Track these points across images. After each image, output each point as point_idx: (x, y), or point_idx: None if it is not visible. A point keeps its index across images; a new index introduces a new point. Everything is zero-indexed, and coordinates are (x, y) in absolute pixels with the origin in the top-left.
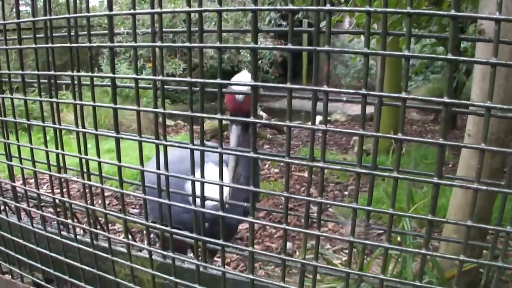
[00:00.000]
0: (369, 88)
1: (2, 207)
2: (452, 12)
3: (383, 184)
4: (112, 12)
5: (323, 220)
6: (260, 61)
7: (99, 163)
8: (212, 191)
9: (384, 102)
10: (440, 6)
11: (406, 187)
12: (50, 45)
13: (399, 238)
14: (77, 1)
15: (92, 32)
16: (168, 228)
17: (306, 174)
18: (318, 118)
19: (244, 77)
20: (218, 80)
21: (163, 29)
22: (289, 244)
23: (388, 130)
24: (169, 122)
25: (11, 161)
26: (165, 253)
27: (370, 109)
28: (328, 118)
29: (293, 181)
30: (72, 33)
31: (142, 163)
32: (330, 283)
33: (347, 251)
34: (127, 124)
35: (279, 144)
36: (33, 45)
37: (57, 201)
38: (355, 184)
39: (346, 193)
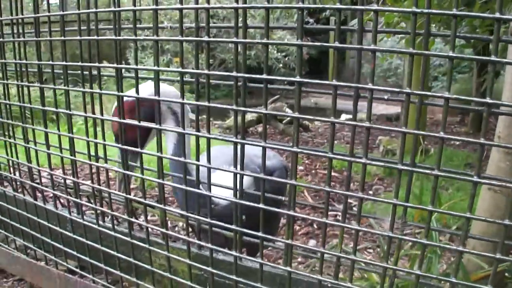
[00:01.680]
0: (396, 87)
1: (40, 195)
2: (497, 15)
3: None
4: (158, 7)
5: (351, 215)
6: (286, 58)
7: (141, 154)
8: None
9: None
10: (472, 7)
11: (433, 190)
12: (95, 37)
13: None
14: None
15: (138, 26)
16: (208, 220)
17: (332, 172)
18: (344, 116)
19: (148, 87)
20: (264, 76)
21: (210, 24)
22: (312, 242)
23: (414, 130)
24: (193, 116)
25: (48, 149)
26: (203, 244)
27: (395, 109)
28: (351, 117)
29: (318, 179)
30: (116, 26)
31: (193, 156)
32: (355, 280)
33: (371, 250)
34: None
35: (304, 141)
36: (78, 37)
37: (94, 190)
38: (396, 181)
39: (370, 192)
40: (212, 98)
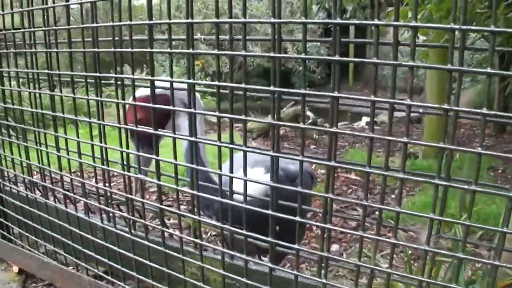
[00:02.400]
0: (417, 90)
1: (69, 203)
2: None
3: (431, 189)
4: (193, 20)
5: (369, 224)
6: (307, 61)
7: (175, 165)
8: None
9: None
10: (497, 9)
11: (459, 194)
12: (129, 49)
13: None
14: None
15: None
16: (242, 231)
17: (352, 176)
18: (364, 119)
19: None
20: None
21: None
22: (335, 246)
23: (438, 134)
24: (213, 119)
25: (80, 158)
26: (238, 255)
27: (414, 114)
28: (375, 120)
29: (340, 183)
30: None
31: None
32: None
33: (394, 255)
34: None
35: (326, 144)
36: (112, 49)
37: (128, 200)
38: (434, 196)
39: (393, 196)
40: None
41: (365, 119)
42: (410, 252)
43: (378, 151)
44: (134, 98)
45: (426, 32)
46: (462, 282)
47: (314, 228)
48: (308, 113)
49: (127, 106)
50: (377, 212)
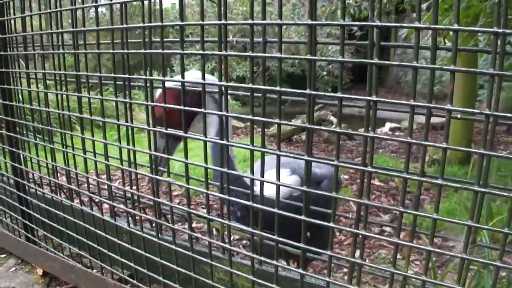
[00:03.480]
0: (441, 96)
1: (94, 206)
2: None
3: (455, 195)
4: (226, 22)
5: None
6: (330, 66)
7: (206, 169)
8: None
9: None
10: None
11: (485, 202)
12: (161, 51)
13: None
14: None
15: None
16: (274, 237)
17: (376, 182)
18: (388, 124)
19: (194, 74)
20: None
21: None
22: (358, 252)
23: (461, 140)
24: (238, 124)
25: (107, 160)
26: (268, 261)
27: (439, 118)
28: (399, 126)
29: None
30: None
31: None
32: None
33: (418, 262)
34: None
35: (348, 150)
36: (142, 50)
37: (155, 205)
38: (472, 204)
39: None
40: (256, 105)
41: (389, 125)
42: (434, 259)
43: (401, 158)
44: (164, 90)
45: (452, 38)
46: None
47: (338, 233)
48: (331, 118)
49: (156, 95)
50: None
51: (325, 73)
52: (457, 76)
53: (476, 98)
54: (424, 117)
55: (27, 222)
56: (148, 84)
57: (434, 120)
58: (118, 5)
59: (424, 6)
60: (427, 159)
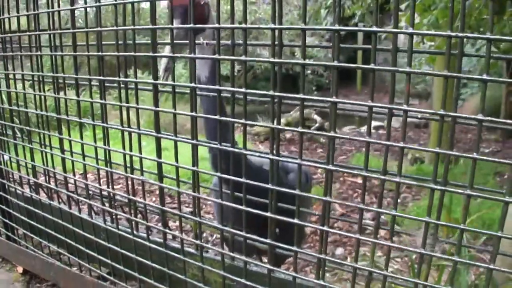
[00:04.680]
0: (424, 95)
1: (74, 204)
2: None
3: (437, 193)
4: (195, 25)
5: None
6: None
7: (177, 168)
8: None
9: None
10: (502, 14)
11: (463, 199)
12: (132, 53)
13: (452, 250)
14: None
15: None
16: (242, 233)
17: (359, 180)
18: (374, 123)
19: None
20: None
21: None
22: (340, 250)
23: (444, 139)
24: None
25: (84, 160)
26: (238, 256)
27: (416, 119)
28: (382, 124)
29: (346, 187)
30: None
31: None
32: None
33: (398, 259)
34: (182, 123)
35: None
36: (116, 53)
37: (131, 202)
38: (429, 201)
39: (399, 200)
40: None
41: (373, 123)
42: (414, 256)
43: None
44: None
45: (433, 38)
46: (464, 285)
47: (318, 232)
48: (315, 117)
49: None
50: (382, 217)
51: (309, 71)
52: (439, 79)
53: (459, 97)
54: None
55: (7, 221)
56: (122, 85)
57: (418, 119)
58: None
59: (403, 6)
60: (409, 157)
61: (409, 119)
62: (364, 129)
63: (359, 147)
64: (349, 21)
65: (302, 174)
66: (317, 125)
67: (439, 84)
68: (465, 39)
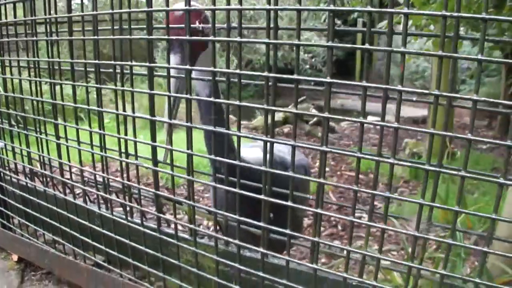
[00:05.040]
0: (424, 90)
1: (68, 191)
2: None
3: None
4: (190, 7)
5: (376, 217)
6: (313, 59)
7: (171, 151)
8: None
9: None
10: (501, 9)
11: (459, 192)
12: (128, 36)
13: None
14: None
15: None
16: (236, 217)
17: (354, 173)
18: (370, 118)
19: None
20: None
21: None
22: (337, 243)
23: (439, 123)
24: None
25: (79, 146)
26: (231, 240)
27: (421, 112)
28: (378, 119)
29: (343, 180)
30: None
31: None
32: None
33: (395, 252)
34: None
35: (330, 142)
36: (111, 36)
37: (124, 186)
38: (423, 182)
39: (396, 194)
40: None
41: (370, 118)
42: (410, 249)
43: (382, 150)
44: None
45: (431, 30)
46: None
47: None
48: (314, 111)
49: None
50: (380, 205)
51: (308, 66)
52: (436, 71)
53: (458, 93)
54: (406, 112)
55: (2, 209)
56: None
57: (415, 113)
58: None
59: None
60: (407, 152)
61: (408, 115)
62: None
63: (357, 141)
64: (348, 16)
65: (301, 167)
66: (315, 119)
67: (435, 77)
68: (464, 28)
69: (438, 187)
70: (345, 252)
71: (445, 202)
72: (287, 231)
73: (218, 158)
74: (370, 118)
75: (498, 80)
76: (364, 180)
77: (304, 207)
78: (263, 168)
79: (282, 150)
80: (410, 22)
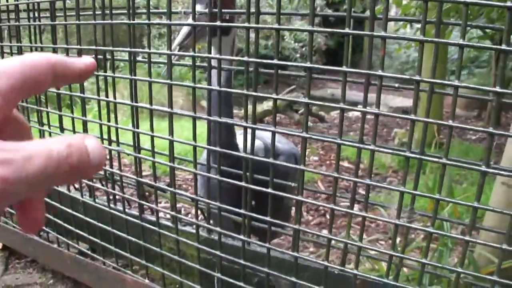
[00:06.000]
0: (412, 81)
1: None
2: (509, 3)
3: (422, 177)
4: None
5: (360, 204)
6: (303, 49)
7: (152, 137)
8: None
9: (434, 90)
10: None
11: (446, 181)
12: (110, 21)
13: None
14: None
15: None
16: (217, 204)
17: (345, 163)
18: (359, 107)
19: None
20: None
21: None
22: (324, 232)
23: (432, 116)
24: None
25: (62, 132)
26: (212, 227)
27: (411, 102)
28: (369, 109)
29: (332, 170)
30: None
31: (195, 139)
32: (365, 271)
33: (383, 242)
34: (175, 102)
35: (319, 131)
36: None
37: (107, 173)
38: (404, 169)
39: (384, 184)
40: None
41: (360, 107)
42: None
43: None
44: None
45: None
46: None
47: (305, 214)
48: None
49: None
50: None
51: (298, 55)
52: (425, 63)
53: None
54: (396, 102)
55: None
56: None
57: (406, 104)
58: None
59: None
60: (396, 142)
61: (397, 105)
62: (352, 113)
63: (347, 131)
64: (340, 6)
65: (291, 156)
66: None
67: (426, 69)
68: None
69: (427, 178)
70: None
71: (432, 191)
72: (267, 219)
73: (219, 149)
74: (359, 108)
75: (489, 71)
76: (353, 169)
77: (285, 194)
78: (243, 154)
79: (269, 136)
80: (399, 12)
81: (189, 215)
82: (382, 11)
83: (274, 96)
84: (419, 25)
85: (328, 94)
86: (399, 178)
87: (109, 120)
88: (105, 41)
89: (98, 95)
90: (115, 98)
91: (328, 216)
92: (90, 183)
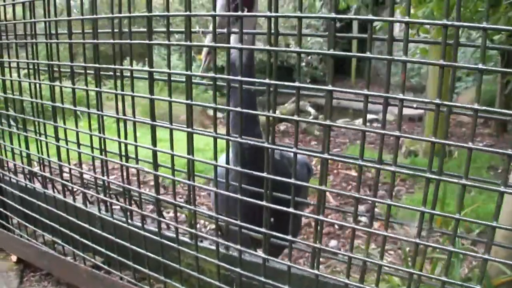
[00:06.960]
0: (419, 88)
1: (68, 193)
2: None
3: (431, 187)
4: (191, 13)
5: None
6: (309, 57)
7: (172, 156)
8: None
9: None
10: (498, 7)
11: (457, 190)
12: (128, 41)
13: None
14: None
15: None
16: (237, 222)
17: (353, 173)
18: (369, 116)
19: None
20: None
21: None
22: (334, 242)
23: (439, 129)
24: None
25: (79, 148)
26: (233, 245)
27: (418, 110)
28: (376, 117)
29: (340, 179)
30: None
31: (215, 158)
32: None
33: (392, 252)
34: (176, 115)
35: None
36: (112, 40)
37: (125, 190)
38: (424, 189)
39: (393, 193)
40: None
41: (370, 117)
42: (408, 249)
43: (377, 149)
44: None
45: (427, 30)
46: (457, 278)
47: (313, 223)
48: (310, 109)
49: None
50: (376, 209)
51: (304, 64)
52: (434, 71)
53: (454, 91)
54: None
55: (1, 209)
56: (118, 74)
57: (412, 112)
58: None
59: None
60: (403, 150)
61: (403, 113)
62: (358, 121)
63: (353, 139)
64: (344, 14)
65: (304, 166)
66: (311, 117)
67: (434, 77)
68: (460, 29)
69: (417, 190)
70: (339, 255)
71: (443, 200)
72: (289, 237)
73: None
74: (369, 116)
75: (495, 78)
76: (361, 180)
77: (305, 214)
78: (264, 174)
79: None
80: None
81: (203, 229)
82: (404, 35)
83: (296, 118)
84: (425, 34)
85: (333, 103)
86: (407, 186)
87: (126, 134)
88: (122, 53)
89: (117, 111)
90: (134, 115)
91: (336, 226)
92: (107, 199)
